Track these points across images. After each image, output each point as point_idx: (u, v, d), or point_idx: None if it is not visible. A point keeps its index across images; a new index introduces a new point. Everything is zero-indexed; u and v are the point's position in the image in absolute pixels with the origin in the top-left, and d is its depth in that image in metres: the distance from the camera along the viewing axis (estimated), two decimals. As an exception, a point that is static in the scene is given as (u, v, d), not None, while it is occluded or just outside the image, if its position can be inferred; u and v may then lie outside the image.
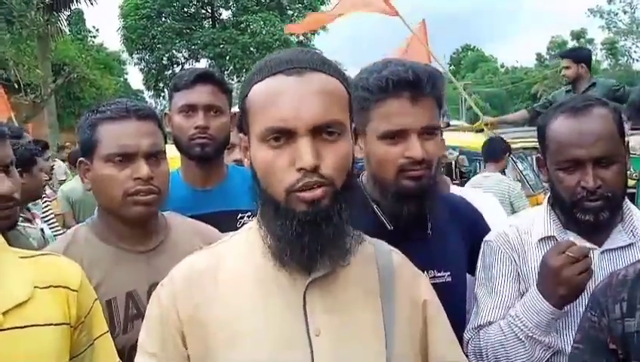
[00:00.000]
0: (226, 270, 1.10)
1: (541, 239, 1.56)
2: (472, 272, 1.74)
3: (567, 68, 5.47)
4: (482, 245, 1.65)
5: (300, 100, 1.00)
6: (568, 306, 1.46)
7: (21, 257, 1.22)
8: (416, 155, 1.43)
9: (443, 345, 1.19)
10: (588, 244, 1.47)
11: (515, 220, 1.66)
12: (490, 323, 1.54)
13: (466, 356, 1.55)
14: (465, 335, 1.58)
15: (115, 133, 1.54)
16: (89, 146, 1.56)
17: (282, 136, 1.01)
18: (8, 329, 1.10)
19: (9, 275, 1.16)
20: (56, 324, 1.18)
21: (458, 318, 1.62)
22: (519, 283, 1.57)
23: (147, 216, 1.58)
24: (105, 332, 1.32)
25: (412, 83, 1.43)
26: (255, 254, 1.09)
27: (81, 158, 1.60)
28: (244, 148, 1.11)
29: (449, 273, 1.60)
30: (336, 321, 1.06)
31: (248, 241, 1.12)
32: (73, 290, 1.24)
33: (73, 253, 1.53)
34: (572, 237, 1.51)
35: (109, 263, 1.55)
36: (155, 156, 1.57)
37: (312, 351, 1.03)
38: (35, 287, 1.17)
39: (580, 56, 5.53)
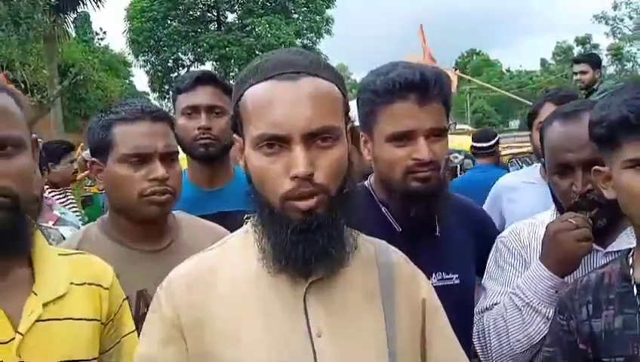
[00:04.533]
0: (223, 274, 1.10)
1: None
2: (481, 274, 1.75)
3: (583, 73, 5.38)
4: (495, 241, 1.68)
5: (294, 107, 1.00)
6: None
7: (59, 254, 1.27)
8: (423, 157, 1.43)
9: (442, 344, 1.19)
10: (593, 246, 1.48)
11: (531, 219, 1.69)
12: (495, 304, 1.57)
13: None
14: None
15: (131, 134, 1.56)
16: (102, 147, 1.58)
17: (276, 142, 1.00)
18: (47, 320, 1.15)
19: (50, 270, 1.21)
20: (88, 320, 1.22)
21: (466, 320, 1.63)
22: None
23: (160, 216, 1.60)
24: (132, 331, 1.35)
25: (419, 85, 1.43)
26: (252, 258, 1.09)
27: (93, 159, 1.62)
28: (240, 150, 1.11)
29: (457, 275, 1.60)
30: (337, 323, 1.06)
31: (246, 245, 1.12)
32: (105, 288, 1.28)
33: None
34: None
35: (119, 262, 1.55)
36: (170, 157, 1.59)
37: (314, 352, 1.03)
38: (71, 283, 1.22)
39: (597, 61, 5.48)
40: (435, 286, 1.55)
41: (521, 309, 1.47)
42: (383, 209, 1.58)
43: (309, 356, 1.03)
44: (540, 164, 2.51)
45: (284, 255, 1.03)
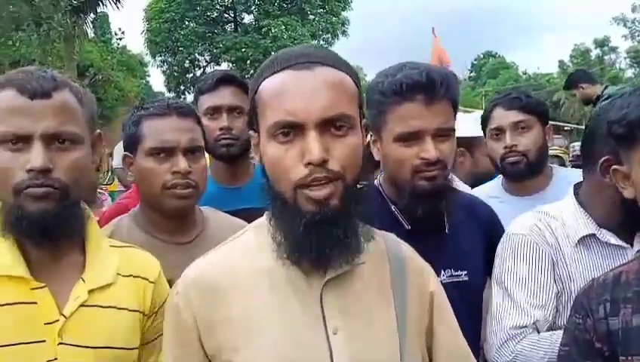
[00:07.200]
0: (238, 271, 1.10)
1: (582, 238, 1.54)
2: (489, 272, 1.75)
3: (574, 95, 5.64)
4: (508, 237, 1.63)
5: (309, 94, 1.00)
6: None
7: (111, 246, 1.35)
8: (430, 156, 1.47)
9: (448, 337, 1.21)
10: (622, 243, 1.50)
11: (542, 216, 1.63)
12: (536, 322, 1.52)
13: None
14: (502, 333, 1.54)
15: (157, 129, 1.64)
16: (133, 141, 1.67)
17: (291, 130, 1.01)
18: (91, 306, 1.22)
19: (100, 259, 1.28)
20: (130, 310, 1.28)
21: (475, 317, 1.66)
22: (555, 281, 1.55)
23: (184, 209, 1.66)
24: None
25: (426, 86, 1.47)
26: (266, 253, 1.09)
27: (125, 153, 1.71)
28: (255, 146, 1.11)
29: (466, 272, 1.63)
30: (352, 319, 1.07)
31: (258, 239, 1.12)
32: (151, 282, 1.35)
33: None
34: (608, 235, 1.52)
35: (148, 252, 1.62)
36: (194, 152, 1.66)
37: (330, 349, 1.04)
38: (118, 274, 1.29)
39: (572, 81, 5.57)
40: (444, 283, 1.57)
41: None
42: (392, 207, 1.62)
43: (325, 353, 1.03)
44: (501, 177, 2.33)
45: (297, 247, 1.03)
